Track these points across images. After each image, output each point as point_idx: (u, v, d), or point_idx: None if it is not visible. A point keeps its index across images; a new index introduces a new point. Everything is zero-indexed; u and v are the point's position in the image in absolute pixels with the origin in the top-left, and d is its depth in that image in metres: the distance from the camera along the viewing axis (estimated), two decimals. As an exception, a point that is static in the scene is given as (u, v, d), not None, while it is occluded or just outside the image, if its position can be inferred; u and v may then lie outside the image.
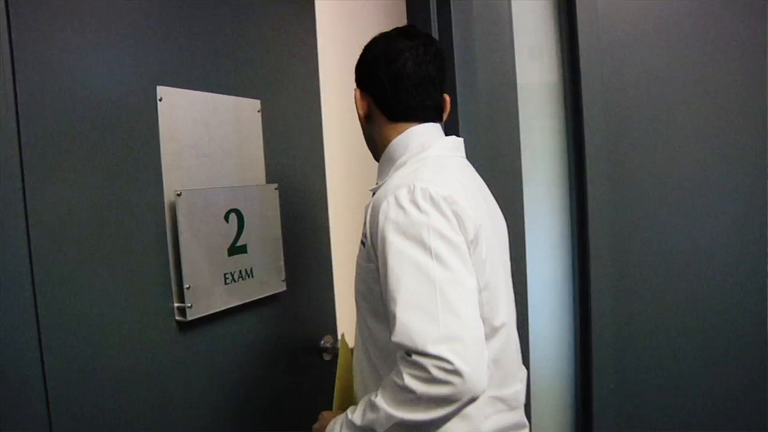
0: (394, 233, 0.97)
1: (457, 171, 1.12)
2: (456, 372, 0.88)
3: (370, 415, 0.98)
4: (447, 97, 1.22)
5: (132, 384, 1.27)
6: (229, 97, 1.52)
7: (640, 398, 1.96)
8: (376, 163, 1.23)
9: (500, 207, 1.26)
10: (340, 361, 1.35)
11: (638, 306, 1.96)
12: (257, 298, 1.59)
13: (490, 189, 1.25)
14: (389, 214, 0.98)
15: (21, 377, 1.08)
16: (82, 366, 1.17)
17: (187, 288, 1.37)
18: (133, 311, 1.27)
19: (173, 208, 1.35)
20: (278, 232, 1.68)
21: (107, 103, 1.23)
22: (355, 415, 1.03)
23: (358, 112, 1.22)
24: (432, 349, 0.88)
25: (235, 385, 1.54)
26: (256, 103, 1.61)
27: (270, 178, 1.66)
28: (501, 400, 1.11)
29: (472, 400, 0.91)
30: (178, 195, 1.35)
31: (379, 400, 0.97)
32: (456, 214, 0.99)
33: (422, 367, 0.89)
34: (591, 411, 1.92)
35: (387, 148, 1.17)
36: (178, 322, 1.37)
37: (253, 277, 1.57)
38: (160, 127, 1.33)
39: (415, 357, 0.90)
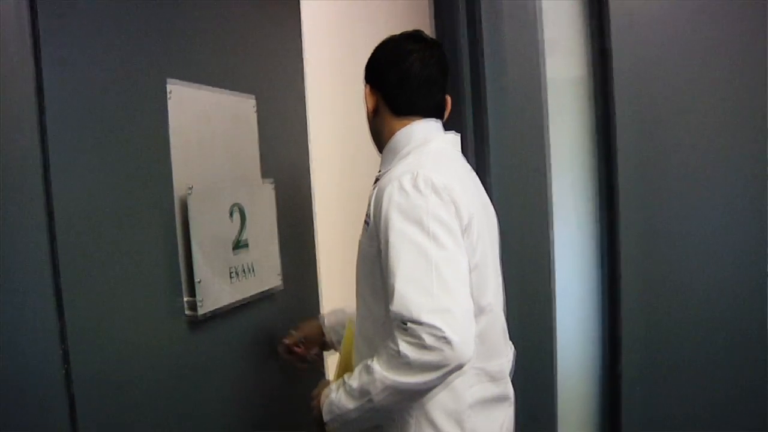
0: (397, 214, 1.06)
1: (455, 163, 1.25)
2: (446, 340, 0.97)
3: (365, 378, 1.07)
4: (448, 98, 1.33)
5: (146, 379, 1.26)
6: (230, 93, 1.53)
7: (669, 399, 1.92)
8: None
9: (526, 203, 1.30)
10: (345, 340, 1.41)
11: (668, 306, 1.91)
12: (258, 293, 1.60)
13: (516, 185, 1.32)
14: (393, 197, 1.08)
15: (44, 376, 1.06)
16: (102, 365, 1.15)
17: (198, 282, 1.37)
18: (145, 306, 1.27)
19: (184, 203, 1.35)
20: (275, 228, 1.70)
21: (121, 98, 1.22)
22: (352, 378, 1.12)
23: (366, 107, 1.32)
24: (426, 319, 0.98)
25: (240, 380, 1.55)
26: (251, 100, 1.63)
27: (264, 174, 1.67)
28: (485, 372, 1.20)
29: (459, 367, 1.01)
30: (190, 190, 1.35)
31: (375, 365, 1.06)
32: (453, 201, 1.08)
33: (416, 335, 0.99)
34: (619, 412, 1.91)
35: (391, 140, 1.27)
36: (188, 317, 1.37)
37: (254, 272, 1.58)
38: (170, 122, 1.33)
39: (410, 325, 1.00)
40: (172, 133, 1.34)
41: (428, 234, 1.04)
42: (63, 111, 1.08)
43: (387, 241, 1.07)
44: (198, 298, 1.36)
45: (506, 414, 1.28)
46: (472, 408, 1.17)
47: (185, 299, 1.36)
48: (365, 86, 1.31)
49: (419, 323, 0.99)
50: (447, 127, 1.34)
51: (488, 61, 1.82)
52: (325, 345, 1.65)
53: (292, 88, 1.85)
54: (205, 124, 1.44)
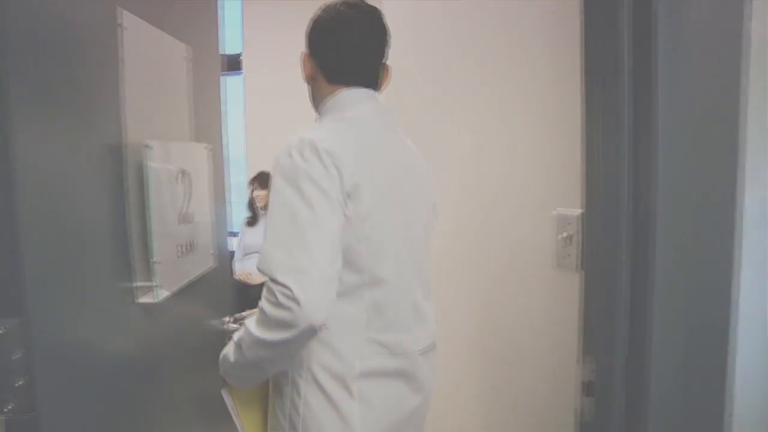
0: (279, 177, 1.09)
1: (364, 132, 1.21)
2: (295, 299, 1.00)
3: (241, 332, 1.12)
4: (387, 66, 1.30)
5: (98, 367, 1.00)
6: (174, 39, 1.28)
7: None
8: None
9: (709, 193, 0.94)
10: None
11: None
12: (200, 273, 1.37)
13: (692, 173, 0.94)
14: (279, 160, 1.10)
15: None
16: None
17: (156, 263, 1.12)
18: (90, 292, 1.00)
19: (138, 164, 1.09)
20: (210, 200, 1.47)
21: (65, 25, 0.94)
22: (235, 333, 1.16)
23: (303, 74, 1.29)
24: (280, 278, 1.01)
25: (190, 368, 1.32)
26: (187, 48, 1.38)
27: (196, 137, 1.44)
28: (380, 344, 1.18)
29: (311, 329, 1.02)
30: (148, 148, 1.10)
31: (248, 321, 1.10)
32: (336, 167, 1.09)
33: (272, 293, 1.02)
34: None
35: (321, 107, 1.27)
36: (142, 305, 1.12)
37: (194, 250, 1.35)
38: (122, 59, 1.06)
39: (269, 283, 1.04)
40: (127, 73, 1.07)
41: (302, 196, 1.06)
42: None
43: (269, 202, 1.11)
44: (155, 282, 1.12)
45: (403, 391, 1.23)
46: (363, 376, 1.16)
47: (139, 284, 1.11)
48: (302, 53, 1.28)
49: (275, 281, 1.02)
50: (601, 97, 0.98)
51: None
52: None
53: (211, 47, 1.62)
54: (157, 70, 1.19)
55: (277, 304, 1.01)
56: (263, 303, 1.04)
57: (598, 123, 0.93)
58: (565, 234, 1.31)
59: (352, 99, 1.23)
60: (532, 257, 1.48)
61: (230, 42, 4.41)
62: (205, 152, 1.44)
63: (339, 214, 1.08)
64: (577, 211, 1.29)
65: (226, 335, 1.50)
